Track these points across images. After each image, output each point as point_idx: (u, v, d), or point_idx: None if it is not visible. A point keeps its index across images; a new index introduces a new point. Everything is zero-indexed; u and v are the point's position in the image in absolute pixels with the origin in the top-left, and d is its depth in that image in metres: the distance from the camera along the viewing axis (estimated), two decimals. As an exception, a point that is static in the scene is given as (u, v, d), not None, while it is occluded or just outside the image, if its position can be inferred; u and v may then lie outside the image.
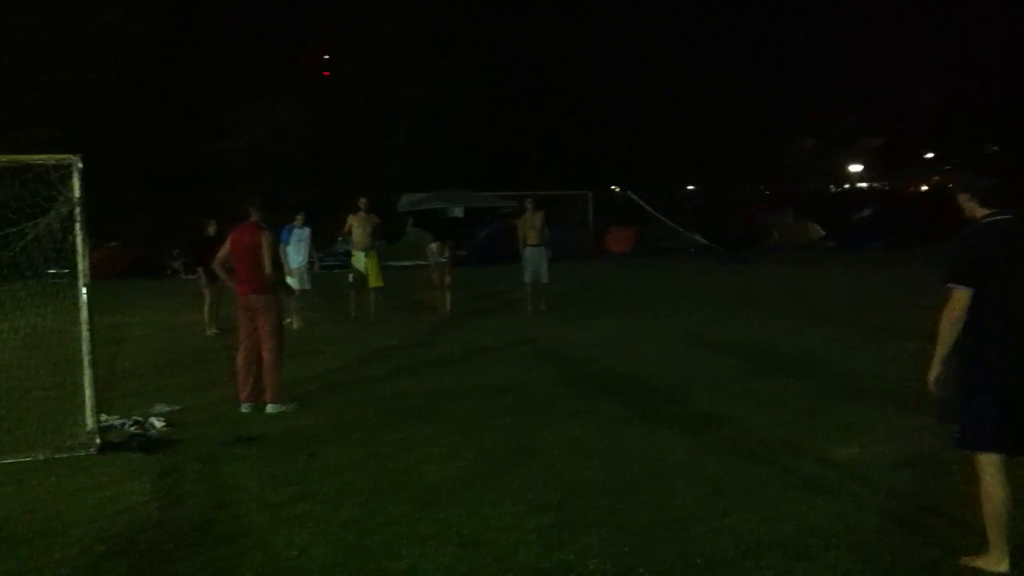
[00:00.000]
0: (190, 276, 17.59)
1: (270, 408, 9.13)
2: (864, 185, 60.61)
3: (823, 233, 38.77)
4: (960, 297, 4.81)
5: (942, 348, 4.90)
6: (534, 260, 16.86)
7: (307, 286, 15.78)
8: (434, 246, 17.18)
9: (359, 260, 16.35)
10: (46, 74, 37.80)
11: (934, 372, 4.92)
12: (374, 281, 16.35)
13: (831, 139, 58.84)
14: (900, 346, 11.74)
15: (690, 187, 51.64)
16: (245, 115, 41.19)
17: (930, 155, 60.58)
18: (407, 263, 27.91)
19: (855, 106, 55.78)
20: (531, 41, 49.82)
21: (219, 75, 43.41)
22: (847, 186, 60.16)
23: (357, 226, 16.34)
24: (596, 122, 50.75)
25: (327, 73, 52.83)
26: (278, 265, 9.83)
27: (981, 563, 4.77)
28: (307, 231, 16.08)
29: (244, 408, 9.19)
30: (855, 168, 61.58)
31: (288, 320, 10.18)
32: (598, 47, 51.13)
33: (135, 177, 38.96)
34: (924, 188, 55.29)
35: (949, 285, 4.85)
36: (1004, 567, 4.71)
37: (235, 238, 9.54)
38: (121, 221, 34.30)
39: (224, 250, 9.70)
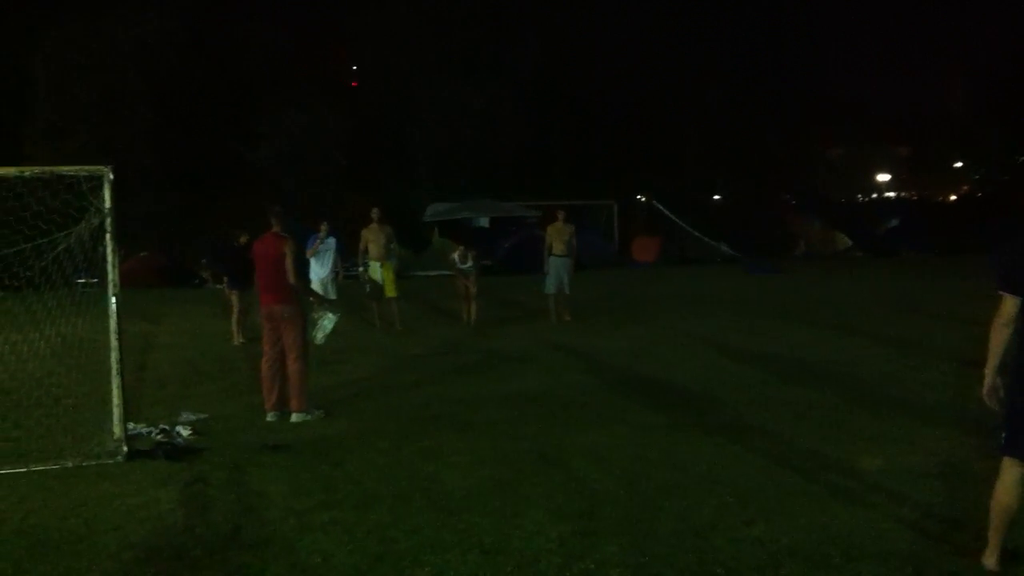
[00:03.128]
0: (218, 285, 17.71)
1: (295, 417, 9.20)
2: (892, 194, 60.24)
3: (850, 243, 38.60)
4: (1007, 303, 4.79)
5: (992, 357, 4.87)
6: (558, 270, 16.88)
7: (332, 296, 15.86)
8: (455, 255, 17.22)
9: (375, 271, 16.40)
10: (85, 82, 38.25)
11: (986, 383, 4.90)
12: (390, 291, 16.41)
13: (859, 148, 58.50)
14: (927, 356, 11.70)
15: (716, 196, 51.47)
16: (277, 124, 41.46)
17: (959, 164, 60.13)
18: (432, 272, 28.02)
19: (883, 115, 55.49)
20: (557, 51, 49.85)
21: (252, 83, 43.73)
22: (875, 195, 59.79)
23: (372, 239, 16.40)
24: (622, 131, 50.70)
25: (355, 84, 53.12)
26: (303, 274, 9.87)
27: (982, 557, 4.97)
28: (332, 241, 16.17)
29: (270, 417, 9.26)
30: (883, 177, 61.23)
31: (338, 314, 10.17)
32: (623, 58, 51.07)
33: (169, 185, 39.35)
34: (953, 197, 54.85)
35: (1000, 291, 4.82)
36: (992, 564, 4.91)
37: (258, 248, 9.62)
38: (153, 229, 34.63)
39: None
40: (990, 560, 4.91)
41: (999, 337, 4.80)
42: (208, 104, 42.90)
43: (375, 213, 16.61)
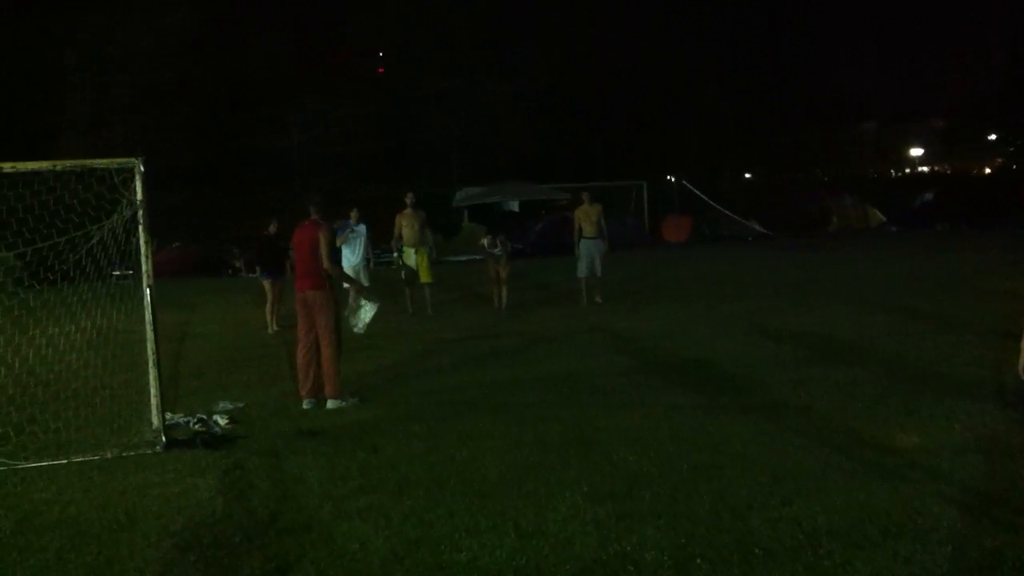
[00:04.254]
0: (251, 275, 17.82)
1: (330, 404, 9.25)
2: (925, 169, 59.59)
3: (884, 218, 38.25)
4: None
5: None
6: (589, 252, 16.84)
7: (364, 283, 15.90)
8: (485, 240, 17.23)
9: (409, 256, 16.44)
10: (119, 76, 38.57)
11: (1023, 357, 4.84)
12: (425, 277, 16.44)
13: (892, 122, 57.93)
14: (962, 332, 11.58)
15: (747, 175, 51.19)
16: (306, 113, 41.65)
17: (993, 136, 59.36)
18: (463, 258, 28.06)
19: (917, 88, 54.92)
20: (585, 32, 49.69)
21: (281, 74, 43.96)
22: (908, 170, 59.18)
23: (406, 224, 16.43)
24: (652, 111, 50.49)
25: (380, 69, 53.20)
26: (337, 260, 9.92)
27: None
28: (363, 228, 16.21)
29: (305, 404, 9.31)
30: (916, 152, 60.55)
31: (377, 303, 10.24)
32: (653, 37, 50.83)
33: (202, 176, 39.66)
34: (987, 171, 54.17)
35: None
36: None
37: (296, 236, 9.68)
38: (187, 220, 34.92)
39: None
40: None
41: None
42: (238, 95, 43.18)
43: (409, 198, 16.65)
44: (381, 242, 20.12)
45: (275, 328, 15.01)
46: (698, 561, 4.90)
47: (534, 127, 44.34)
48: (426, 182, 38.96)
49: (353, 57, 49.86)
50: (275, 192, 37.10)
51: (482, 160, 43.50)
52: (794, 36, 54.42)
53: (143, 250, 7.84)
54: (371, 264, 17.27)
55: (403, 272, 16.65)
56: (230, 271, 31.91)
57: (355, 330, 10.24)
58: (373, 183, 40.30)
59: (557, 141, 45.92)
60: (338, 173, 40.69)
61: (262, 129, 41.48)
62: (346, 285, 10.43)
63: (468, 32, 46.59)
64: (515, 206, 37.73)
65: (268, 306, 15.22)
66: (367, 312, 10.13)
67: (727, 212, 37.64)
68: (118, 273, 8.82)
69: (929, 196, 38.59)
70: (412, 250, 16.40)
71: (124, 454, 7.58)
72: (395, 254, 16.81)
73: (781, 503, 5.68)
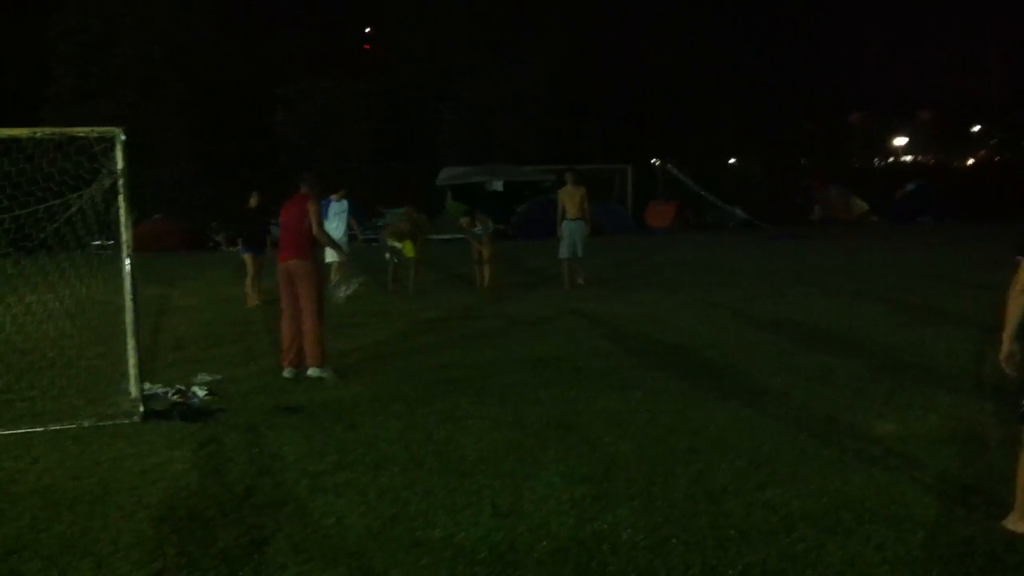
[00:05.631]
0: (231, 248, 17.72)
1: (311, 372, 9.25)
2: (909, 158, 59.71)
3: (867, 208, 38.36)
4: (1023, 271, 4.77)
5: (1008, 324, 4.88)
6: (571, 234, 16.81)
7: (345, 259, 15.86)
8: (464, 220, 17.21)
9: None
10: (112, 48, 38.25)
11: (1003, 349, 4.89)
12: (409, 251, 16.45)
13: (878, 112, 58.04)
14: (944, 323, 11.63)
15: (731, 160, 51.16)
16: (304, 91, 41.46)
17: (976, 128, 59.57)
18: (446, 236, 28.00)
19: (902, 78, 55.03)
20: (574, 15, 49.57)
21: (280, 51, 43.75)
22: (891, 159, 59.28)
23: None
24: (636, 94, 50.46)
25: (368, 47, 52.96)
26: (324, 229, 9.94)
27: (1008, 524, 4.93)
28: (345, 204, 16.18)
29: (286, 373, 9.31)
30: (900, 141, 60.68)
31: (361, 280, 10.48)
32: (639, 20, 50.74)
33: (191, 150, 39.46)
34: (971, 162, 54.32)
35: (1017, 258, 4.79)
36: (1021, 528, 4.88)
37: (285, 211, 9.66)
38: (176, 193, 34.73)
39: None
40: (1020, 525, 4.88)
41: (1016, 304, 4.78)
42: (232, 71, 42.92)
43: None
44: (367, 220, 20.11)
45: (256, 302, 14.96)
46: (673, 542, 4.91)
47: (529, 111, 44.32)
48: (417, 164, 38.91)
49: (343, 33, 49.62)
50: (266, 168, 36.99)
51: (476, 144, 43.37)
52: (784, 24, 54.39)
53: (123, 220, 7.77)
54: (359, 239, 17.25)
55: (386, 253, 16.64)
56: (211, 244, 31.78)
57: (336, 299, 10.27)
58: (360, 162, 40.14)
59: (543, 124, 45.84)
60: (324, 150, 40.55)
61: (261, 106, 41.28)
62: (332, 258, 10.45)
63: (466, 13, 46.46)
64: (499, 186, 37.57)
65: (248, 280, 15.17)
66: (355, 285, 10.23)
67: (711, 198, 37.61)
68: (97, 243, 8.76)
69: (912, 187, 38.67)
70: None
71: (100, 424, 7.55)
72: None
73: (757, 487, 5.70)
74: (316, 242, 9.62)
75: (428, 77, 45.11)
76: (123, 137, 7.63)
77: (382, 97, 44.65)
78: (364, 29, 52.95)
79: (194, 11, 41.29)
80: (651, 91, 50.00)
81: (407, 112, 45.27)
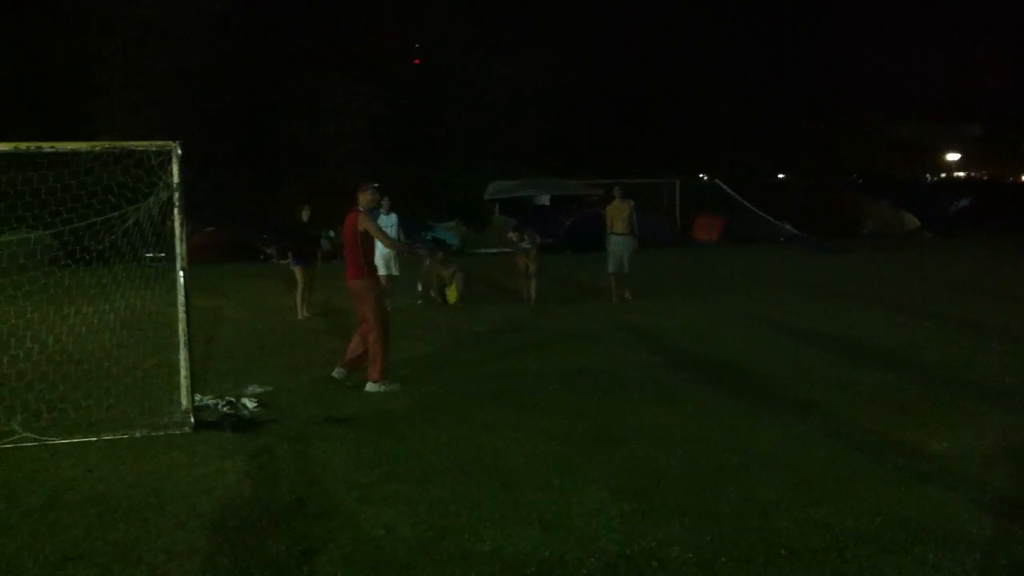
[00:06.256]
0: (282, 261, 17.86)
1: (369, 387, 9.33)
2: (962, 174, 58.95)
3: (918, 223, 37.89)
4: None
5: None
6: (619, 249, 16.79)
7: (395, 272, 15.93)
8: (513, 234, 17.26)
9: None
10: (152, 61, 38.81)
11: None
12: (453, 298, 16.76)
13: (927, 127, 57.36)
14: (995, 338, 11.47)
15: (780, 175, 50.87)
16: (341, 101, 41.76)
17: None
18: (493, 250, 28.05)
19: (954, 93, 54.36)
20: (621, 28, 49.53)
21: (316, 62, 44.09)
22: (943, 175, 58.56)
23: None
24: (686, 109, 50.30)
25: (417, 61, 53.27)
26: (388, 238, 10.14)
27: None
28: (394, 217, 16.23)
29: (335, 373, 9.52)
30: (952, 156, 59.91)
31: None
32: (690, 35, 50.62)
33: (236, 161, 39.82)
34: (1024, 178, 53.58)
35: None
36: None
37: (345, 222, 9.69)
38: (222, 205, 35.05)
39: None
40: None
41: None
42: (273, 82, 43.36)
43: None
44: (413, 233, 20.23)
45: (305, 315, 15.07)
46: (722, 560, 4.89)
47: (567, 121, 44.36)
48: (456, 173, 39.02)
49: (387, 43, 49.87)
50: (309, 178, 37.27)
51: (515, 149, 43.45)
52: (833, 35, 54.00)
53: (178, 233, 7.89)
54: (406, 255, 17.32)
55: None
56: (262, 257, 32.04)
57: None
58: (403, 169, 40.31)
59: (588, 137, 45.86)
60: (370, 159, 40.79)
61: (298, 116, 41.63)
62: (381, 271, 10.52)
63: (502, 18, 46.58)
64: (546, 200, 37.59)
65: (298, 293, 15.27)
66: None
67: (759, 212, 37.31)
68: (151, 255, 8.89)
69: (965, 202, 38.20)
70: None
71: (153, 434, 7.65)
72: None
73: (808, 505, 5.66)
74: (370, 259, 9.68)
75: (460, 81, 45.23)
76: (180, 151, 7.75)
77: (419, 107, 44.86)
78: (408, 35, 53.13)
79: (242, 21, 41.73)
80: (691, 99, 49.85)
81: (446, 117, 45.43)
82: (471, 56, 45.28)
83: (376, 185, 10.16)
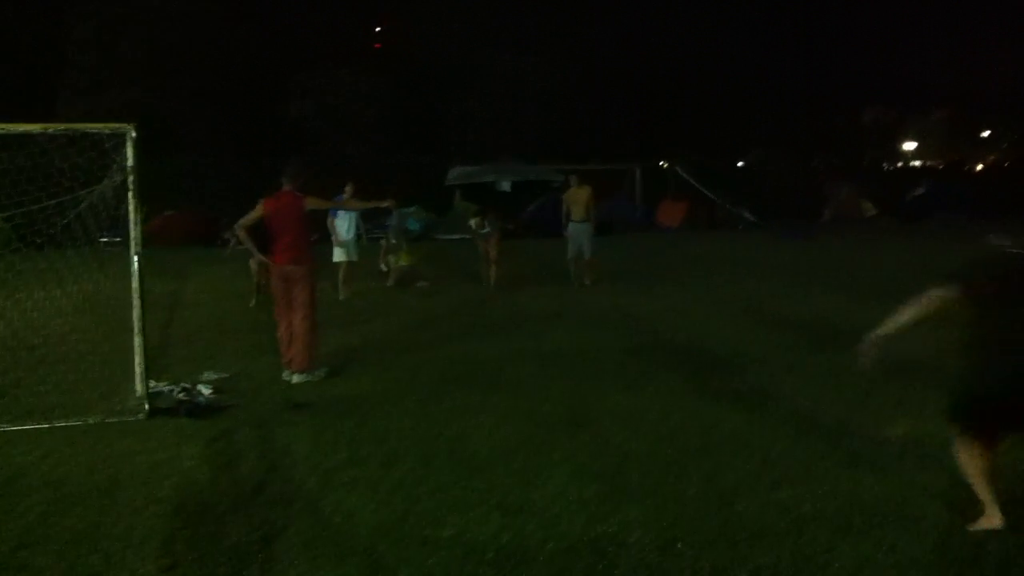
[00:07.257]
0: (239, 246, 17.62)
1: (296, 378, 9.06)
2: (918, 163, 59.50)
3: (876, 210, 38.28)
4: (948, 290, 5.08)
5: (895, 322, 5.24)
6: (577, 236, 16.77)
7: (354, 258, 15.80)
8: (473, 221, 17.21)
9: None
10: (125, 37, 37.99)
11: (873, 338, 5.24)
12: (405, 260, 16.77)
13: (889, 112, 57.88)
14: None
15: (739, 163, 51.08)
16: (322, 81, 41.35)
17: (986, 133, 59.37)
18: (455, 236, 27.96)
19: (916, 80, 54.91)
20: (622, 21, 49.47)
21: (297, 41, 43.58)
22: (900, 164, 59.09)
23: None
24: (645, 94, 50.36)
25: (378, 45, 52.88)
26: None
27: (984, 524, 4.95)
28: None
29: (285, 376, 9.21)
30: (909, 146, 60.45)
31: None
32: (648, 20, 50.69)
33: (208, 142, 39.13)
34: (979, 167, 54.11)
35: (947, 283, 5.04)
36: (998, 522, 4.93)
37: (269, 207, 9.25)
38: (192, 183, 34.36)
39: (251, 217, 9.41)
40: (996, 520, 4.92)
41: (918, 308, 5.02)
42: (250, 62, 42.68)
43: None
44: (373, 217, 20.10)
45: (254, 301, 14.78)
46: (684, 543, 4.89)
47: (546, 104, 44.33)
48: (429, 160, 38.78)
49: (364, 30, 49.49)
50: (284, 160, 36.75)
51: (479, 139, 43.31)
52: (802, 23, 54.33)
53: (132, 216, 7.76)
54: (363, 239, 17.15)
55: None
56: (219, 242, 31.67)
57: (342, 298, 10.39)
58: (386, 155, 39.91)
59: (554, 122, 45.77)
60: (354, 143, 40.40)
61: (277, 96, 41.10)
62: (340, 258, 10.38)
63: (492, 5, 46.46)
64: (508, 186, 37.40)
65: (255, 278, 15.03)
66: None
67: (716, 199, 37.41)
68: (106, 239, 8.75)
69: (922, 190, 38.61)
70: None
71: (108, 420, 7.54)
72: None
73: (769, 488, 5.68)
74: (312, 244, 9.48)
75: (445, 68, 44.98)
76: (134, 134, 7.62)
77: (397, 88, 44.50)
78: (383, 17, 52.66)
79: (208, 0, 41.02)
80: (662, 87, 49.88)
81: (420, 103, 45.12)
82: (476, 48, 45.04)
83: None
